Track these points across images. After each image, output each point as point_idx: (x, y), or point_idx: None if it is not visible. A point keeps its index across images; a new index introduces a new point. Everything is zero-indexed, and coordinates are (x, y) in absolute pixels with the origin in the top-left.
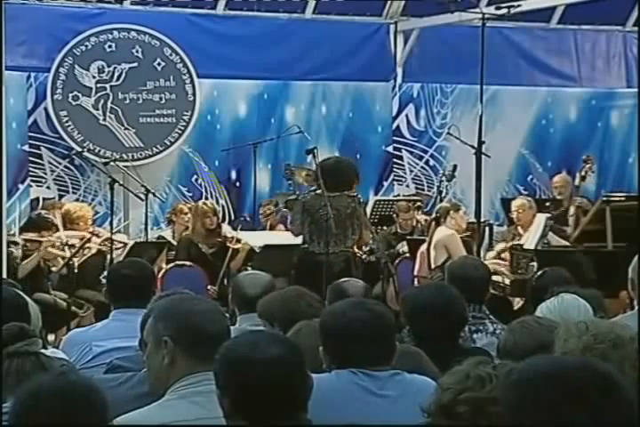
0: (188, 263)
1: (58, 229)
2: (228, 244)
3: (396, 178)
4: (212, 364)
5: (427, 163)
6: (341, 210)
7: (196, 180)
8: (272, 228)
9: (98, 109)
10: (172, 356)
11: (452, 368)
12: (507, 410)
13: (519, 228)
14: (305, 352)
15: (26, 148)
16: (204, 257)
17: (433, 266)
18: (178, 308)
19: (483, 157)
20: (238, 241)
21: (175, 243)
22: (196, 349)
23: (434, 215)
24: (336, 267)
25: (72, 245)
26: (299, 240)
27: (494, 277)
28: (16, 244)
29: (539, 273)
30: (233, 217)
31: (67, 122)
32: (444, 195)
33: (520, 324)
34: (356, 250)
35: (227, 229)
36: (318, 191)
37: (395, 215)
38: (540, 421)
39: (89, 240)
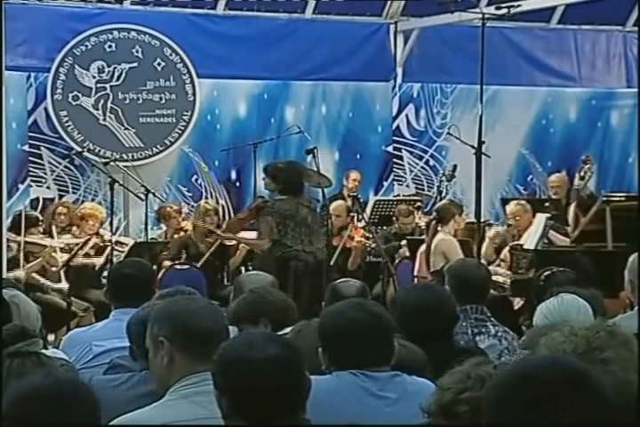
0: (187, 264)
1: (50, 228)
2: (226, 242)
3: (396, 178)
4: (211, 363)
5: (427, 163)
6: (310, 209)
7: (196, 180)
8: None
9: (98, 109)
10: (169, 355)
11: (452, 368)
12: (489, 410)
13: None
14: (305, 353)
15: (26, 148)
16: (202, 256)
17: (432, 270)
18: (171, 308)
19: (483, 157)
20: None
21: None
22: (191, 347)
23: (434, 215)
24: (321, 264)
25: (71, 248)
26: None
27: (494, 278)
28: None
29: (545, 274)
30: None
31: (67, 122)
32: (443, 195)
33: None
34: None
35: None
36: (282, 197)
37: (394, 219)
38: (518, 421)
39: (88, 241)
